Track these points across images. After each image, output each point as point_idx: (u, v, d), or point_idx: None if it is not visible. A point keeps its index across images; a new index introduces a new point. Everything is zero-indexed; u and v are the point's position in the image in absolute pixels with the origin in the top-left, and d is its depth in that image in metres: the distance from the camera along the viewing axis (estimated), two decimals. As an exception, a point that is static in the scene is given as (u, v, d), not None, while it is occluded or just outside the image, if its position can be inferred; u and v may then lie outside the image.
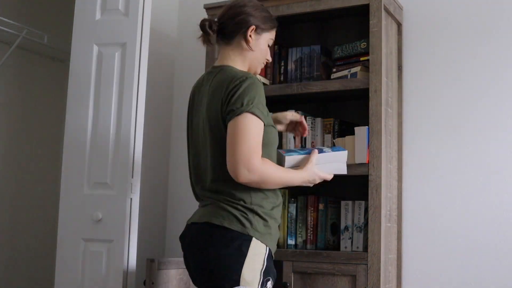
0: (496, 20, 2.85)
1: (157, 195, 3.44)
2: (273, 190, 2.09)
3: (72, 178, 2.93)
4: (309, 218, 2.84)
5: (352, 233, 2.74)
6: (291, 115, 2.41)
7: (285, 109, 2.92)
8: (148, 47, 2.95)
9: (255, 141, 1.96)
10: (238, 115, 1.96)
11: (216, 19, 2.16)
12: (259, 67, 2.22)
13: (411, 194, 2.90)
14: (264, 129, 2.02)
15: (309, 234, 2.83)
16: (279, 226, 2.15)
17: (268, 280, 2.01)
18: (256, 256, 1.98)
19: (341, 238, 2.76)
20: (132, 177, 2.83)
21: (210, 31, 2.13)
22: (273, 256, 2.08)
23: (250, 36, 2.13)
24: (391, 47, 2.86)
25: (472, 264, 2.76)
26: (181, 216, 3.43)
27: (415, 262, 2.85)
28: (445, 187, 2.85)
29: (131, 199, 2.82)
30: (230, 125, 1.97)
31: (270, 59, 2.25)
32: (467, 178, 2.82)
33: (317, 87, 2.80)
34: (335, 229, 2.87)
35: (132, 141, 2.85)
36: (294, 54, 2.98)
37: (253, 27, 2.13)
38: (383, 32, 2.70)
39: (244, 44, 2.14)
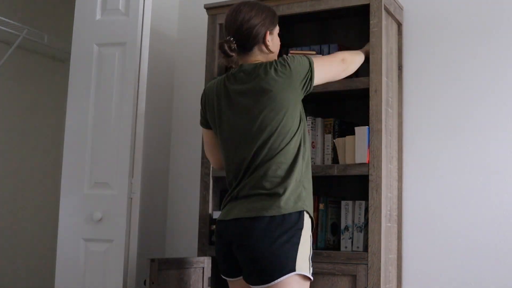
0: (496, 20, 2.85)
1: (157, 195, 3.44)
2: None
3: (72, 178, 2.93)
4: (309, 218, 2.84)
5: (353, 233, 2.74)
6: None
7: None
8: (148, 47, 2.96)
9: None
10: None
11: (231, 38, 2.25)
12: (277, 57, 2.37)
13: (411, 194, 2.90)
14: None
15: (309, 234, 2.83)
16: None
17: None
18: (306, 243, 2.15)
19: (341, 238, 2.76)
20: (132, 177, 2.83)
21: (232, 53, 2.25)
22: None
23: (268, 41, 2.27)
24: (391, 47, 2.86)
25: (472, 264, 2.76)
26: (181, 216, 3.44)
27: (415, 262, 2.85)
28: (445, 187, 2.85)
29: (131, 199, 2.82)
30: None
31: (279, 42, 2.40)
32: (467, 178, 2.82)
33: (317, 87, 2.80)
34: (335, 229, 2.87)
35: (132, 141, 2.85)
36: (294, 54, 2.98)
37: (267, 32, 2.27)
38: (383, 32, 2.70)
39: (264, 49, 2.28)
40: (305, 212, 2.16)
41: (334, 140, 2.80)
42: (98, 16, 3.02)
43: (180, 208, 3.45)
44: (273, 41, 2.31)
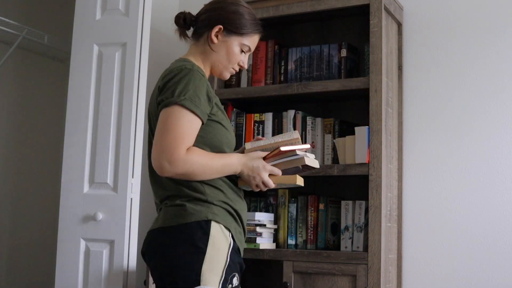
0: (496, 20, 2.85)
1: (157, 195, 3.44)
2: (228, 188, 1.96)
3: (72, 178, 2.92)
4: (309, 218, 2.84)
5: (353, 233, 2.74)
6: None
7: (285, 109, 2.93)
8: (148, 47, 2.95)
9: (182, 133, 1.81)
10: (166, 106, 1.84)
11: (190, 12, 2.08)
12: (225, 71, 2.07)
13: (411, 194, 2.90)
14: (208, 126, 1.91)
15: (309, 234, 2.83)
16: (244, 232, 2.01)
17: (234, 276, 1.91)
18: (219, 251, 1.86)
19: (342, 238, 2.76)
20: (132, 177, 2.83)
21: (183, 24, 2.06)
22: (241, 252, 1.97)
23: (215, 36, 2.01)
24: (391, 47, 2.86)
25: (472, 264, 2.76)
26: (181, 216, 3.44)
27: (415, 262, 2.85)
28: (445, 187, 2.85)
29: (131, 199, 2.82)
30: (159, 117, 1.85)
31: (244, 66, 2.09)
32: (467, 178, 2.82)
33: (317, 87, 2.80)
34: (335, 229, 2.87)
35: (132, 141, 2.85)
36: (294, 54, 2.98)
37: (219, 27, 2.00)
38: (383, 32, 2.70)
39: (206, 45, 2.02)
40: (213, 222, 1.88)
41: (334, 140, 2.80)
42: (98, 16, 3.02)
43: (180, 208, 3.45)
44: (225, 44, 2.01)
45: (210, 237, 1.86)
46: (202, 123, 1.89)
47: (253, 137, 2.91)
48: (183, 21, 2.07)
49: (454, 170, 2.85)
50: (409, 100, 2.96)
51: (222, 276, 1.86)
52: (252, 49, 2.09)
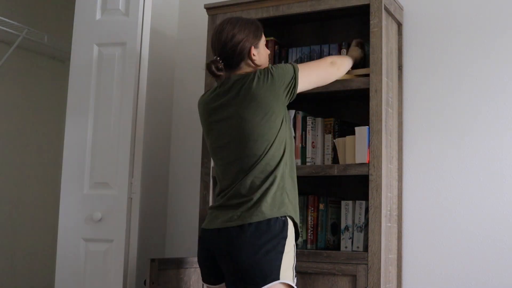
0: (497, 19, 2.85)
1: (157, 195, 3.44)
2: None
3: (72, 178, 2.93)
4: (309, 218, 2.84)
5: (353, 233, 2.74)
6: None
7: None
8: (148, 47, 2.96)
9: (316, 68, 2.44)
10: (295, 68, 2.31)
11: (217, 58, 2.27)
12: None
13: (411, 194, 2.90)
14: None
15: (309, 234, 2.83)
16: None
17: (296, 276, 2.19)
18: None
19: (342, 238, 2.76)
20: (132, 177, 2.83)
21: (219, 73, 2.27)
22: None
23: (253, 55, 2.30)
24: (392, 47, 2.86)
25: (472, 264, 2.76)
26: (181, 216, 3.44)
27: (415, 262, 2.85)
28: (445, 187, 2.85)
29: (131, 199, 2.82)
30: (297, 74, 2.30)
31: (268, 52, 2.42)
32: (467, 178, 2.82)
33: (317, 87, 2.80)
34: (336, 229, 2.87)
35: (132, 141, 2.85)
36: (294, 54, 2.98)
37: (252, 47, 2.29)
38: (384, 32, 2.70)
39: (251, 63, 2.31)
40: (288, 218, 2.18)
41: (334, 140, 2.80)
42: (98, 16, 3.02)
43: (180, 208, 3.45)
44: (260, 54, 2.33)
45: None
46: None
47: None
48: (216, 69, 2.27)
49: (454, 170, 2.85)
50: (409, 100, 2.96)
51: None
52: None
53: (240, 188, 2.19)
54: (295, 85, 2.27)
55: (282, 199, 2.18)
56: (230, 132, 2.24)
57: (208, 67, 2.26)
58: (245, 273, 2.09)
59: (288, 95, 2.27)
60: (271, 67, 2.26)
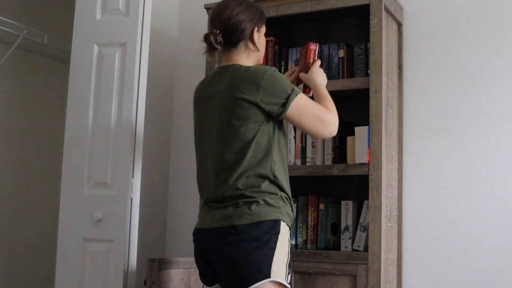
0: (497, 20, 2.85)
1: (157, 195, 3.44)
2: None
3: (72, 178, 2.92)
4: (309, 218, 2.84)
5: (353, 233, 2.74)
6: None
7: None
8: (148, 47, 2.95)
9: (315, 108, 2.15)
10: (292, 101, 2.09)
11: (217, 31, 2.16)
12: (262, 59, 2.31)
13: (411, 194, 2.90)
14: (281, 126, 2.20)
15: (309, 234, 2.83)
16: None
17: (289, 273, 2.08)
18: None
19: (342, 238, 2.76)
20: (132, 177, 2.83)
21: (217, 46, 2.16)
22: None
23: (255, 37, 2.19)
24: (392, 47, 2.86)
25: (472, 264, 2.76)
26: (181, 216, 3.44)
27: (415, 262, 2.85)
28: (445, 187, 2.85)
29: (131, 199, 2.82)
30: (292, 112, 2.11)
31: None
32: (467, 178, 2.82)
33: (317, 87, 2.80)
34: (336, 229, 2.87)
35: (132, 141, 2.85)
36: (294, 54, 2.98)
37: (255, 28, 2.19)
38: (384, 32, 2.70)
39: (251, 46, 2.20)
40: (280, 215, 2.07)
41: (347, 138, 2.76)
42: (98, 16, 3.02)
43: (180, 208, 3.45)
44: (260, 39, 2.23)
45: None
46: None
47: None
48: (215, 41, 2.15)
49: (454, 170, 2.85)
50: (409, 100, 2.96)
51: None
52: None
53: (226, 187, 2.09)
54: (283, 110, 2.12)
55: (273, 201, 2.07)
56: (216, 127, 2.17)
57: (206, 38, 2.14)
58: (235, 271, 2.02)
59: (270, 112, 2.12)
60: (266, 76, 2.10)
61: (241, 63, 2.18)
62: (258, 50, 2.22)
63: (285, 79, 2.12)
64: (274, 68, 2.13)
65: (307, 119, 2.13)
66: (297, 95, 2.10)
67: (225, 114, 2.11)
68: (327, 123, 2.14)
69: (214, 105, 2.16)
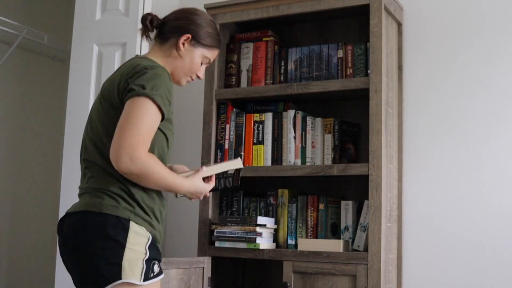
0: (497, 20, 2.85)
1: (157, 195, 3.44)
2: (159, 197, 1.99)
3: (72, 178, 2.92)
4: (309, 218, 2.84)
5: (353, 233, 2.74)
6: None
7: (285, 108, 2.93)
8: (148, 47, 2.95)
9: (147, 130, 1.83)
10: (137, 96, 1.83)
11: (161, 18, 2.13)
12: (183, 78, 2.14)
13: (411, 194, 2.90)
14: (163, 126, 1.93)
15: (309, 234, 2.83)
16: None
17: (154, 263, 1.88)
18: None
19: (342, 238, 2.76)
20: (132, 177, 2.83)
21: (149, 26, 2.10)
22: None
23: (182, 43, 2.07)
24: (391, 47, 2.86)
25: (472, 264, 2.76)
26: (181, 216, 3.44)
27: (415, 262, 2.85)
28: (445, 187, 2.85)
29: (131, 199, 2.81)
30: (126, 105, 1.84)
31: (201, 77, 2.17)
32: (467, 178, 2.82)
33: (317, 87, 2.80)
34: (336, 229, 2.87)
35: (132, 141, 2.85)
36: (294, 54, 2.98)
37: (188, 35, 2.07)
38: (383, 32, 2.70)
39: (174, 49, 2.07)
40: (130, 213, 1.86)
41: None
42: (98, 16, 3.02)
43: (180, 208, 3.45)
44: (190, 53, 2.08)
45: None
46: (161, 121, 1.91)
47: (253, 137, 2.92)
48: (150, 22, 2.11)
49: (454, 170, 2.85)
50: (409, 100, 2.96)
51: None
52: (211, 62, 2.18)
53: (89, 176, 1.94)
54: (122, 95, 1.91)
55: (123, 198, 1.88)
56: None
57: (144, 17, 2.09)
58: (82, 275, 1.86)
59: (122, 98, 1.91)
60: (141, 74, 1.90)
61: (150, 58, 2.04)
62: (180, 56, 2.07)
63: (166, 80, 1.91)
64: (166, 72, 1.94)
65: (126, 126, 1.80)
66: (152, 99, 1.83)
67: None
68: (136, 154, 1.78)
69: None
